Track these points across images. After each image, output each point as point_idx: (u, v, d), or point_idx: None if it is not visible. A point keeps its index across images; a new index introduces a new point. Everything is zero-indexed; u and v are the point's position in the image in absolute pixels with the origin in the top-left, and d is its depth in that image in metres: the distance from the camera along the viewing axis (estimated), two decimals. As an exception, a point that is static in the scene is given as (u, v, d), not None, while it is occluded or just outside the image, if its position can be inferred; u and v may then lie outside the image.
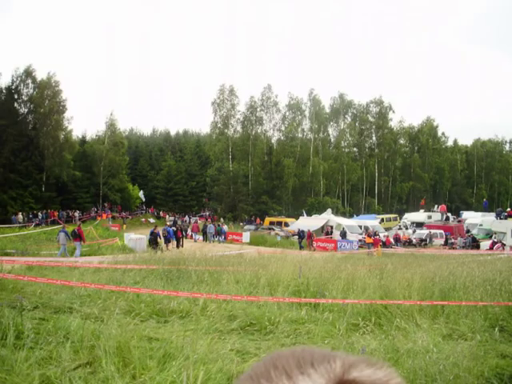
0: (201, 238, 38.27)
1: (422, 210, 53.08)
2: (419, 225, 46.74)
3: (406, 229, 44.91)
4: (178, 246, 29.67)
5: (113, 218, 55.79)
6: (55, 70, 79.55)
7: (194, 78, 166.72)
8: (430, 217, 49.05)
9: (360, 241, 34.16)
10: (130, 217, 60.91)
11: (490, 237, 34.05)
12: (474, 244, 34.02)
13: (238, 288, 10.64)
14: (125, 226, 50.33)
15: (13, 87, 54.57)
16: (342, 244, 34.00)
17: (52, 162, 53.68)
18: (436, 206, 53.32)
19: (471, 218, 47.62)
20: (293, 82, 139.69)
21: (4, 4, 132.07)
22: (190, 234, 40.26)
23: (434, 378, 4.91)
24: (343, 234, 37.08)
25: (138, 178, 75.87)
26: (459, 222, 48.93)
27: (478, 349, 5.97)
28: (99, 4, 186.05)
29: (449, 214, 51.35)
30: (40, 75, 56.48)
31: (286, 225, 46.59)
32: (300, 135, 71.62)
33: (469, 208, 68.86)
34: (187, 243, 32.51)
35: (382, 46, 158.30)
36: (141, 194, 67.73)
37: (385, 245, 33.34)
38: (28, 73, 55.49)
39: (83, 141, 66.85)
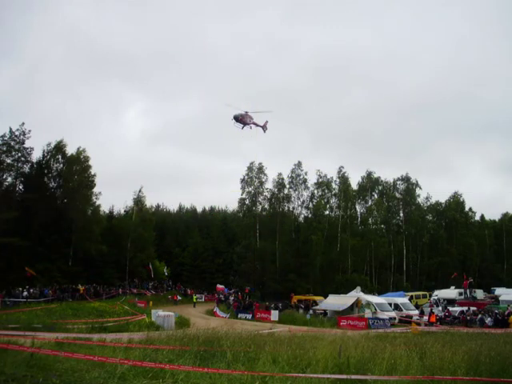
0: (227, 315, 38.47)
1: (452, 287, 51.50)
2: (450, 302, 45.31)
3: (437, 306, 43.35)
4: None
5: (139, 294, 55.16)
6: (85, 145, 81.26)
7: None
8: (461, 293, 47.70)
9: (391, 318, 33.84)
10: (161, 293, 60.47)
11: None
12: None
13: (274, 368, 9.94)
14: (151, 302, 49.44)
15: (43, 162, 56.11)
16: (375, 321, 33.15)
17: (80, 236, 54.00)
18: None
19: (505, 294, 45.84)
20: (322, 159, 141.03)
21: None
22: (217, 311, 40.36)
23: None
24: (374, 313, 36.28)
25: (163, 254, 75.66)
26: (492, 298, 47.35)
27: None
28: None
29: (475, 290, 49.78)
30: (70, 150, 57.93)
31: (315, 303, 45.50)
32: (328, 212, 71.60)
33: (501, 283, 66.50)
34: (216, 320, 32.32)
35: (405, 124, 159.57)
36: (164, 270, 68.39)
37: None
38: (59, 148, 57.02)
39: (110, 216, 67.81)
